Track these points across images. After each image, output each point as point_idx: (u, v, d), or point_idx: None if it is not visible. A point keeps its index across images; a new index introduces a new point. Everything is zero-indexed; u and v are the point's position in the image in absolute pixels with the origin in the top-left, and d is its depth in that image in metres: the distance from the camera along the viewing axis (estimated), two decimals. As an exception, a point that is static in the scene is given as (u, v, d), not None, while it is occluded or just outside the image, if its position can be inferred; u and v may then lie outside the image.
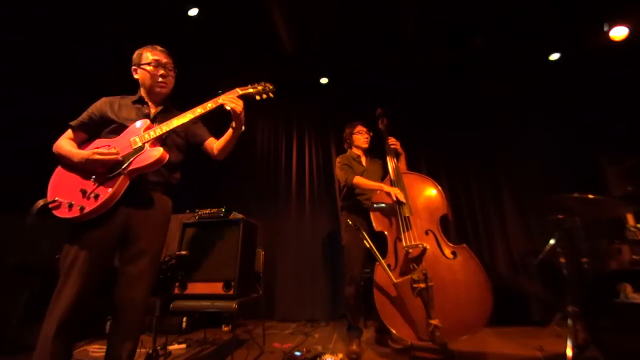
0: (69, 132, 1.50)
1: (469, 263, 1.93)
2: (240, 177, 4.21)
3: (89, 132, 1.52)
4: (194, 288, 2.21)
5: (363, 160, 2.59)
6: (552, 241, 2.37)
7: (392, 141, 2.49)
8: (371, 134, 2.62)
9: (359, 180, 2.34)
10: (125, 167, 1.36)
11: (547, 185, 3.23)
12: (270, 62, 3.89)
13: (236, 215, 2.48)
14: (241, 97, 1.53)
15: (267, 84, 1.60)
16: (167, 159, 1.40)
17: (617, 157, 3.00)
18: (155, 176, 1.49)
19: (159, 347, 2.10)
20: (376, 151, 2.64)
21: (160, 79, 1.57)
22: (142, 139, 1.42)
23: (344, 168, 2.47)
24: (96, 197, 1.31)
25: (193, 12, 3.15)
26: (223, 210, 2.50)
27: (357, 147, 2.60)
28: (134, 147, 1.40)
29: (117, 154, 1.38)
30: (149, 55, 1.57)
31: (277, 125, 4.41)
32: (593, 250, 2.63)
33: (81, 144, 1.50)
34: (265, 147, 4.37)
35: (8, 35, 2.71)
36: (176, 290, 2.23)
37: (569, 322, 1.81)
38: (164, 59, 1.59)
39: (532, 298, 3.01)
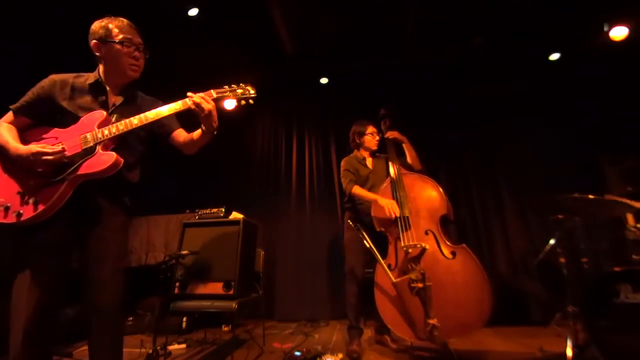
0: (9, 115, 1.30)
1: (468, 263, 1.93)
2: (240, 177, 4.21)
3: (34, 117, 1.31)
4: (194, 288, 2.21)
5: (369, 162, 2.58)
6: (552, 241, 2.38)
7: (390, 134, 2.48)
8: (381, 135, 2.59)
9: (357, 191, 2.35)
10: (71, 172, 1.19)
11: (547, 185, 3.23)
12: (270, 62, 3.90)
13: (236, 215, 2.48)
14: (216, 100, 1.34)
15: (248, 87, 1.39)
16: (120, 164, 1.23)
17: (617, 157, 3.00)
18: (107, 176, 1.27)
19: (159, 347, 2.10)
20: (379, 149, 2.63)
21: (133, 63, 1.35)
22: (94, 138, 1.22)
23: (346, 175, 2.47)
24: (35, 203, 1.16)
25: (193, 12, 3.15)
26: (223, 210, 2.50)
27: (367, 149, 2.59)
28: (83, 147, 1.21)
29: (62, 152, 1.19)
30: (116, 31, 1.32)
31: (277, 125, 4.40)
32: (593, 250, 2.64)
33: (24, 131, 1.30)
34: (265, 147, 4.37)
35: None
36: (176, 290, 2.23)
37: (569, 322, 1.81)
38: (136, 38, 1.36)
39: (532, 298, 3.01)
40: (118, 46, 1.31)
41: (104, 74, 1.37)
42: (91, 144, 1.22)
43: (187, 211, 3.05)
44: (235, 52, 3.68)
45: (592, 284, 1.84)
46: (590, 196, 1.74)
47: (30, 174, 1.21)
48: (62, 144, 1.22)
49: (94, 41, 1.33)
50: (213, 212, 2.52)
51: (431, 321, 1.78)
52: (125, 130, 1.26)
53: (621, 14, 3.13)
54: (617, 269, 1.93)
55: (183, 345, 2.55)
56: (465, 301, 1.84)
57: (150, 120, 1.28)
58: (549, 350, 2.07)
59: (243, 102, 1.41)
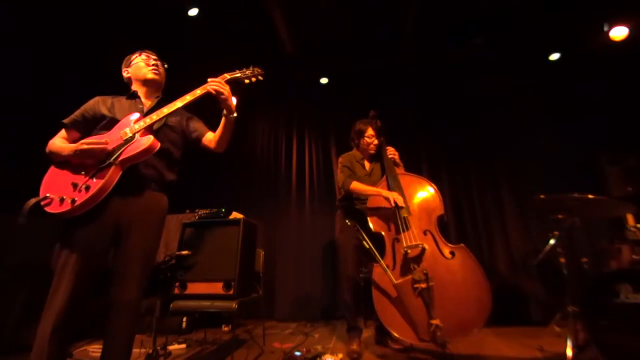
0: (63, 132, 1.50)
1: (467, 263, 1.93)
2: (240, 177, 4.21)
3: (82, 131, 1.50)
4: (194, 288, 2.21)
5: (367, 164, 2.56)
6: (552, 241, 2.37)
7: (391, 152, 2.47)
8: (382, 138, 2.52)
9: (355, 185, 2.32)
10: (115, 158, 1.34)
11: (547, 185, 3.23)
12: (270, 62, 3.89)
13: (236, 215, 2.48)
14: (229, 81, 1.53)
15: (256, 68, 1.61)
16: (157, 147, 1.38)
17: (617, 157, 3.00)
18: (149, 170, 1.46)
19: (159, 347, 2.10)
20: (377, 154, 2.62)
21: (151, 68, 1.59)
22: (132, 130, 1.40)
23: (344, 171, 2.45)
24: (87, 188, 1.29)
25: (193, 12, 3.16)
26: (223, 210, 2.50)
27: (363, 151, 2.55)
28: (124, 139, 1.38)
29: (105, 143, 1.36)
30: (135, 55, 1.64)
31: (277, 125, 4.41)
32: (593, 250, 2.64)
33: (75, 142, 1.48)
34: (265, 147, 4.37)
35: (7, 34, 2.71)
36: (176, 290, 2.23)
37: (569, 322, 1.81)
38: (152, 56, 1.63)
39: (531, 298, 3.01)
40: (136, 59, 1.62)
41: (136, 88, 1.61)
42: (130, 135, 1.39)
43: (187, 211, 3.05)
44: (235, 52, 3.68)
45: (592, 284, 1.84)
46: (590, 196, 1.74)
47: (81, 167, 1.36)
48: (107, 140, 1.39)
49: (123, 69, 1.65)
50: (213, 212, 2.51)
51: (434, 322, 1.77)
52: (158, 119, 1.44)
53: (621, 14, 3.13)
54: (617, 269, 1.93)
55: (183, 345, 2.55)
56: (465, 300, 1.84)
57: (178, 106, 1.46)
58: (549, 350, 2.07)
59: (254, 79, 1.60)
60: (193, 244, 2.34)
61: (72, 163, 1.38)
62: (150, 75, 1.58)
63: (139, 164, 1.40)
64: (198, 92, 1.49)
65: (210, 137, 1.64)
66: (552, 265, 2.55)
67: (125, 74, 1.65)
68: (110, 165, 1.33)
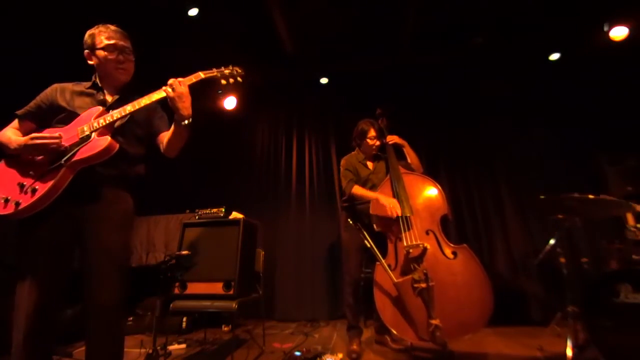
0: (15, 122, 1.38)
1: (469, 263, 1.92)
2: (240, 177, 4.21)
3: (38, 122, 1.38)
4: (194, 288, 2.21)
5: (369, 162, 2.55)
6: (552, 241, 2.38)
7: (390, 138, 2.46)
8: (383, 140, 2.51)
9: (357, 190, 2.32)
10: (68, 158, 1.22)
11: (547, 185, 3.23)
12: (270, 61, 3.90)
13: (236, 215, 2.48)
14: (205, 80, 1.39)
15: (236, 68, 1.43)
16: (116, 149, 1.25)
17: (617, 157, 3.00)
18: (109, 169, 1.31)
19: (159, 347, 2.10)
20: (380, 150, 2.61)
21: (119, 66, 1.40)
22: (90, 128, 1.26)
23: (346, 175, 2.45)
24: (33, 191, 1.18)
25: (193, 12, 3.15)
26: (223, 210, 2.50)
27: (365, 152, 2.55)
28: (80, 137, 1.25)
29: (59, 138, 1.23)
30: (102, 39, 1.38)
31: (277, 125, 4.40)
32: (593, 250, 2.64)
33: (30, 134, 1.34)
34: (265, 147, 4.36)
35: None
36: (176, 290, 2.23)
37: (569, 322, 1.81)
38: (120, 42, 1.40)
39: (532, 298, 3.01)
40: (102, 52, 1.38)
41: (99, 79, 1.44)
42: (87, 133, 1.26)
43: (187, 211, 3.05)
44: (235, 52, 3.68)
45: (592, 284, 1.84)
46: (590, 196, 1.74)
47: (30, 165, 1.25)
48: (61, 134, 1.27)
49: (85, 51, 1.42)
50: (213, 212, 2.51)
51: (434, 321, 1.77)
52: (119, 117, 1.29)
53: (621, 14, 3.13)
54: (617, 269, 1.93)
55: (183, 345, 2.55)
56: (467, 301, 1.83)
57: (143, 105, 1.31)
58: (549, 350, 2.07)
59: (232, 80, 1.43)
60: (193, 244, 2.34)
61: (22, 160, 1.27)
62: (117, 76, 1.42)
63: (95, 164, 1.26)
64: (155, 96, 1.34)
65: (162, 138, 1.48)
66: (552, 265, 2.56)
67: (86, 56, 1.42)
68: (60, 166, 1.21)
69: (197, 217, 2.53)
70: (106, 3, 2.85)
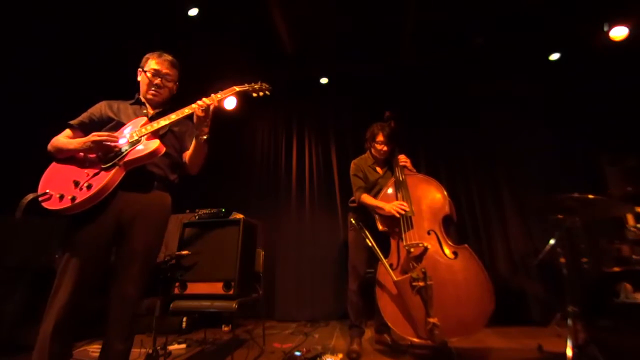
0: (67, 131, 1.50)
1: (470, 263, 1.93)
2: (240, 177, 4.21)
3: (86, 133, 1.49)
4: (194, 288, 2.21)
5: (378, 167, 2.54)
6: (552, 241, 2.37)
7: (403, 159, 2.45)
8: (392, 146, 2.49)
9: (365, 199, 2.34)
10: (120, 158, 1.36)
11: (547, 185, 3.23)
12: (270, 62, 3.90)
13: (236, 215, 2.48)
14: (238, 94, 1.61)
15: (264, 84, 1.68)
16: (163, 150, 1.40)
17: (617, 158, 3.00)
18: (155, 169, 1.48)
19: (159, 347, 2.10)
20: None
21: (153, 89, 1.59)
22: (138, 133, 1.43)
23: (356, 182, 2.45)
24: (89, 187, 1.30)
25: (193, 12, 3.15)
26: (223, 210, 2.50)
27: (373, 156, 2.55)
28: (130, 141, 1.40)
29: (116, 138, 1.39)
30: (152, 63, 1.59)
31: (277, 125, 4.41)
32: (593, 250, 2.64)
33: None
34: (265, 147, 4.37)
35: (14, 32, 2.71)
36: (176, 290, 2.22)
37: (569, 322, 1.81)
38: (164, 70, 1.60)
39: (532, 298, 3.01)
40: (144, 74, 1.60)
41: (141, 95, 1.64)
42: (136, 137, 1.42)
43: (187, 211, 3.04)
44: (235, 52, 3.68)
45: (592, 284, 1.85)
46: (590, 196, 1.74)
47: (85, 164, 1.38)
48: (117, 135, 1.42)
49: (138, 69, 1.63)
50: (213, 212, 2.51)
51: (432, 320, 1.78)
52: (165, 124, 1.47)
53: (621, 14, 3.13)
54: (617, 269, 1.93)
55: (183, 345, 2.55)
56: (467, 301, 1.84)
57: (184, 114, 1.49)
58: (549, 350, 2.07)
59: (261, 93, 1.68)
60: (193, 244, 2.34)
61: (76, 160, 1.40)
62: (148, 96, 1.61)
63: (146, 164, 1.43)
64: (194, 105, 1.50)
65: (186, 156, 1.64)
66: (552, 265, 2.55)
67: (137, 75, 1.65)
68: (114, 165, 1.35)
69: (197, 217, 2.53)
70: (106, 3, 2.86)
